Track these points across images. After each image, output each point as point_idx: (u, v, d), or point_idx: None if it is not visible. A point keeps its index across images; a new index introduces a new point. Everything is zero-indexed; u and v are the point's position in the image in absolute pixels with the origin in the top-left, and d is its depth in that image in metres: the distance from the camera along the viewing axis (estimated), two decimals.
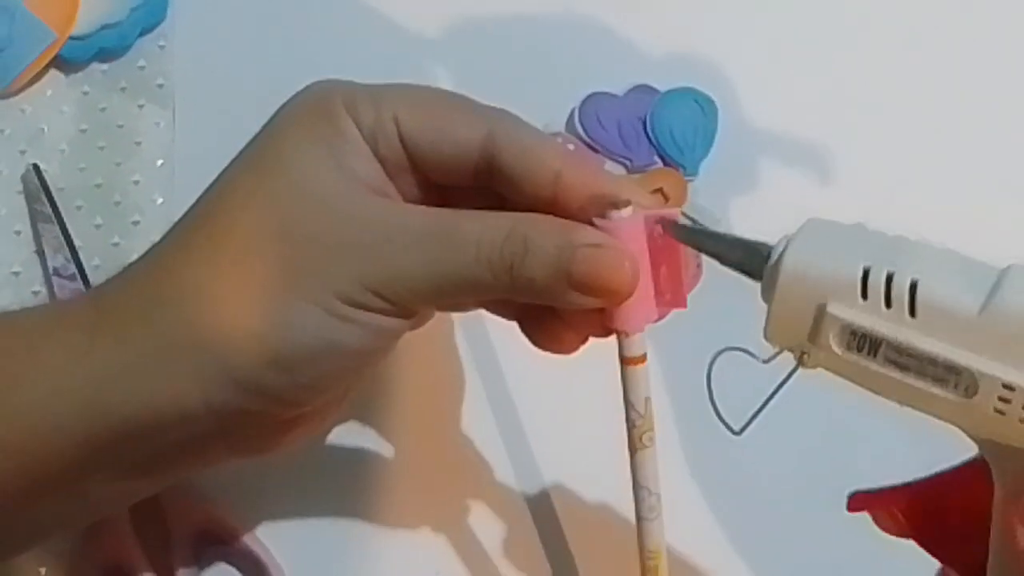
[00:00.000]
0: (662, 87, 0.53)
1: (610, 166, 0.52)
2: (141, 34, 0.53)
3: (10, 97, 0.52)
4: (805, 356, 0.33)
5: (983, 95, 0.54)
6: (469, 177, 0.37)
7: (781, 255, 0.33)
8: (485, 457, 0.47)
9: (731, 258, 0.35)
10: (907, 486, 0.37)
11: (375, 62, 0.53)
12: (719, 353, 0.34)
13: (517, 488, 0.46)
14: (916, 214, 0.51)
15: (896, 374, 0.32)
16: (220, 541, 0.45)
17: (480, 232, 0.35)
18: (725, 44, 0.54)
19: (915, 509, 0.37)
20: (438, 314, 0.42)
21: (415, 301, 0.36)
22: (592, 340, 0.38)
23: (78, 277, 0.48)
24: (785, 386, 0.34)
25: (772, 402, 0.34)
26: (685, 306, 0.36)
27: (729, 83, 0.53)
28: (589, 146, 0.52)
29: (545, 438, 0.47)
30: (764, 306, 0.34)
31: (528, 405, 0.47)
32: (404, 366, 0.47)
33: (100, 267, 0.50)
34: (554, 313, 0.38)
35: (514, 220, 0.35)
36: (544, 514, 0.46)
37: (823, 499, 0.44)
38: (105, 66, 0.53)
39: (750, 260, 0.34)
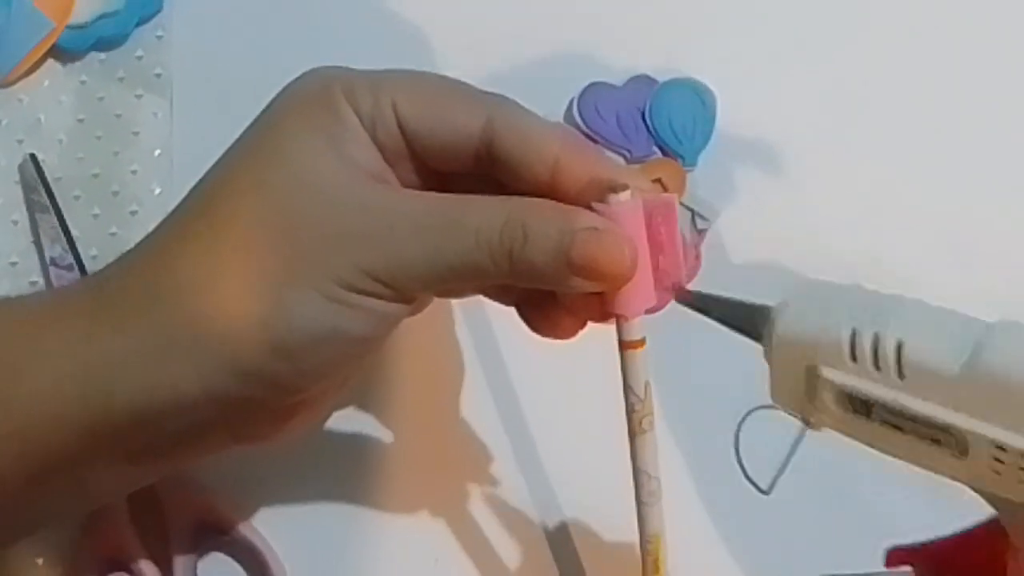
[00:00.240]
0: (661, 78, 0.53)
1: (609, 156, 0.52)
2: (139, 23, 0.53)
3: (7, 87, 0.52)
4: (810, 418, 0.33)
5: (985, 89, 0.53)
6: (468, 163, 0.37)
7: (774, 320, 0.33)
8: (484, 443, 0.47)
9: (734, 322, 0.35)
10: (933, 543, 0.37)
11: (373, 51, 0.52)
12: (748, 413, 0.35)
13: (516, 474, 0.46)
14: (914, 206, 0.51)
15: (894, 434, 0.32)
16: (218, 531, 0.45)
17: (479, 218, 0.35)
18: (724, 35, 0.54)
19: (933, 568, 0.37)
20: (437, 300, 0.42)
21: (415, 287, 0.36)
22: (591, 325, 0.38)
23: (75, 267, 0.48)
24: None
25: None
26: (685, 291, 0.36)
27: (728, 74, 0.53)
28: (588, 136, 0.52)
29: (544, 424, 0.47)
30: None
31: (527, 391, 0.47)
32: (403, 352, 0.47)
33: (98, 257, 0.49)
34: (553, 299, 0.38)
35: (513, 205, 0.35)
36: (543, 499, 0.46)
37: (820, 487, 0.44)
38: (103, 56, 0.53)
39: (751, 323, 0.34)
